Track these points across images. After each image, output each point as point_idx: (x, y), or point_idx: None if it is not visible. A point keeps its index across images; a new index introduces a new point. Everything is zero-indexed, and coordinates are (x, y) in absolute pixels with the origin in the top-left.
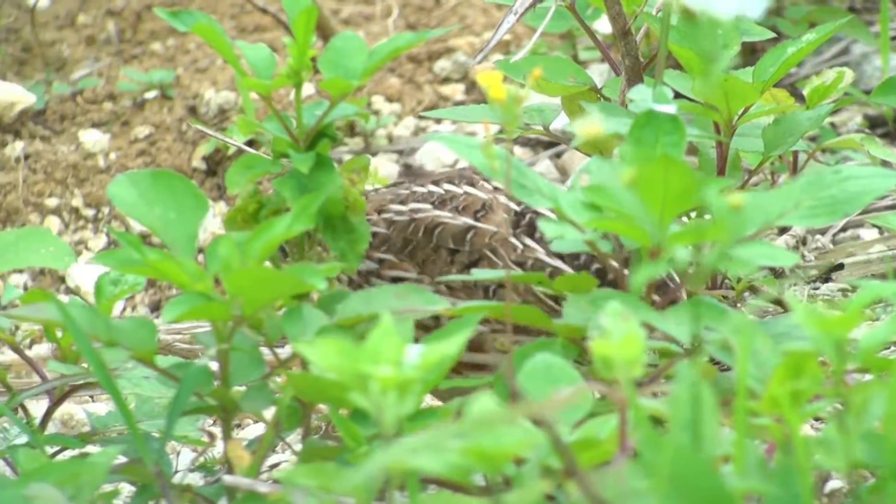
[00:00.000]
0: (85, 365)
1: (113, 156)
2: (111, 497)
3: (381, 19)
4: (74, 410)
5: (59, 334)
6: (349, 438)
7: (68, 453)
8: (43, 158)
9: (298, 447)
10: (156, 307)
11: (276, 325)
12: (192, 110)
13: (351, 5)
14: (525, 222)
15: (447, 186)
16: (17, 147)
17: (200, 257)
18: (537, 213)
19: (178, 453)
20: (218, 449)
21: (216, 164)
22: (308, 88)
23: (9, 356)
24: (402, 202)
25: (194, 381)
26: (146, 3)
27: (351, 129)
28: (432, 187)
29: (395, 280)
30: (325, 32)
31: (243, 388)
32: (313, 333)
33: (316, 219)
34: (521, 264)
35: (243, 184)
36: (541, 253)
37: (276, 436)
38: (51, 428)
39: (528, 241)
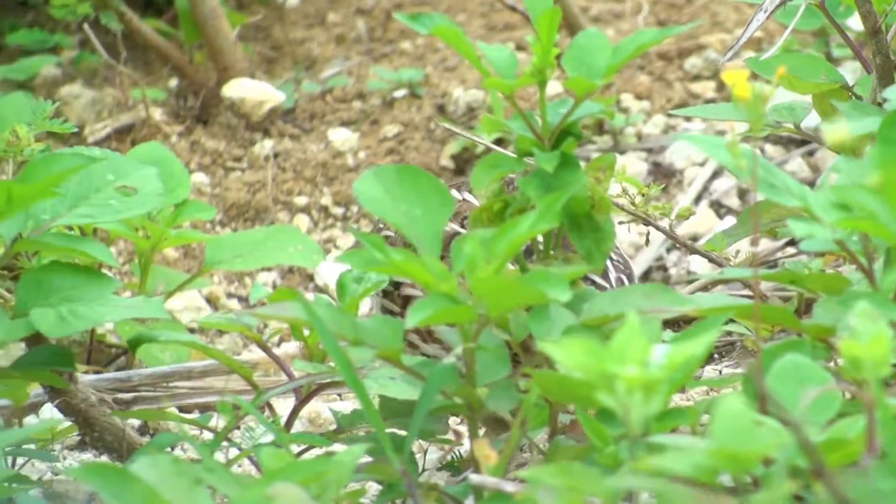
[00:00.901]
0: (331, 363)
1: (362, 154)
2: (357, 496)
3: (630, 16)
4: (321, 409)
5: (305, 333)
6: (596, 438)
7: (314, 452)
8: (292, 157)
9: (545, 446)
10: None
11: (522, 325)
12: (441, 109)
13: (601, 2)
14: None
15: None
16: (266, 145)
17: None
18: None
19: (425, 452)
20: (464, 448)
21: (464, 162)
22: (556, 87)
23: (256, 354)
24: None
25: (440, 379)
26: (396, 1)
27: (599, 127)
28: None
29: (397, 282)
30: (573, 30)
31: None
32: (560, 332)
33: (561, 217)
34: None
35: (488, 182)
36: None
37: (523, 434)
38: (297, 426)
39: None
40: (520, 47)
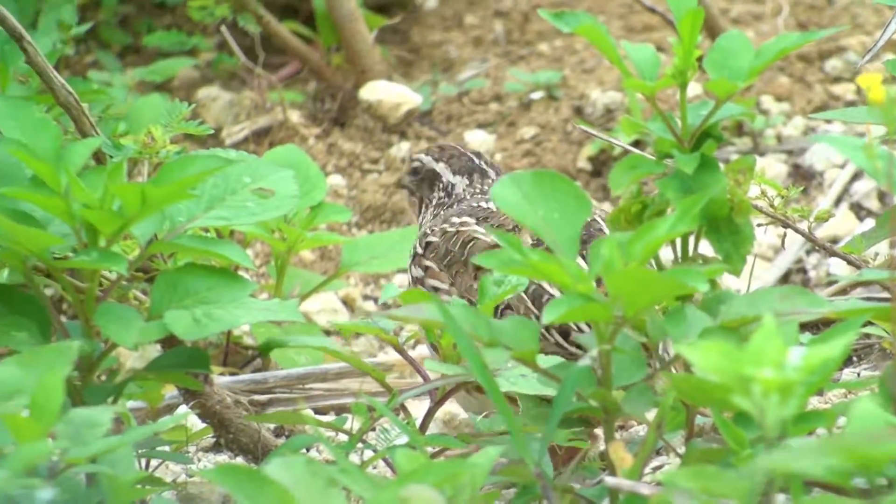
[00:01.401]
0: (466, 365)
1: (498, 156)
2: (492, 498)
3: (770, 18)
4: (456, 410)
5: (439, 334)
6: (732, 441)
7: (449, 454)
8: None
9: (681, 449)
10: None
11: (659, 327)
12: (578, 111)
13: (740, 4)
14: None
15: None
16: (402, 148)
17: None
18: None
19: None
20: (600, 450)
21: (601, 164)
22: (695, 88)
23: (391, 356)
24: (461, 214)
25: (576, 381)
26: (534, 3)
27: (738, 129)
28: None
29: (435, 289)
30: (713, 32)
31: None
32: (696, 335)
33: (699, 220)
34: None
35: (626, 184)
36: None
37: (659, 437)
38: (432, 428)
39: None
40: (659, 48)
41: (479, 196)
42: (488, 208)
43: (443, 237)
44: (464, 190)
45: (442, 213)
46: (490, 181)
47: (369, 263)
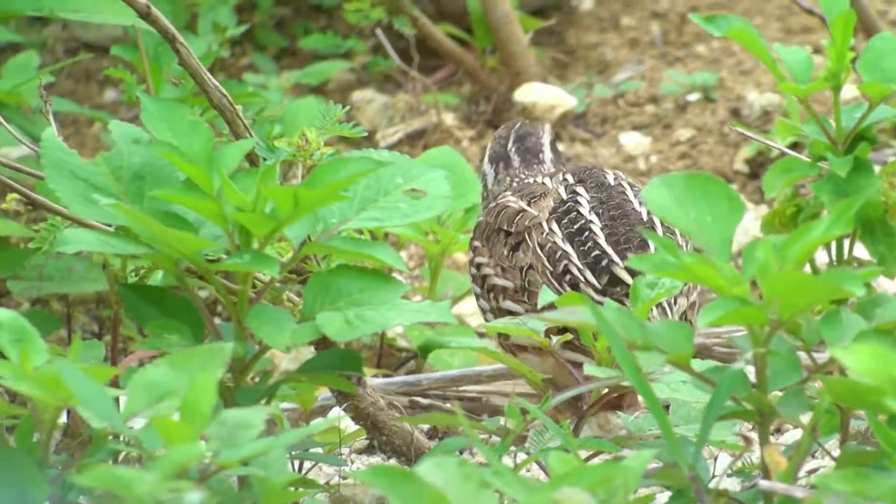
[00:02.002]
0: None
1: (653, 158)
2: (646, 501)
3: None
4: (610, 414)
5: (593, 338)
6: (886, 443)
7: (602, 457)
8: (583, 161)
9: (836, 452)
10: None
11: (814, 330)
12: (735, 112)
13: None
14: (563, 209)
15: (543, 179)
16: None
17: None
18: (576, 202)
19: (716, 458)
20: (755, 454)
21: (758, 166)
22: (852, 90)
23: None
24: (506, 190)
25: (730, 385)
26: (691, 4)
27: (895, 131)
28: (537, 178)
29: (479, 266)
30: (871, 33)
31: (780, 393)
32: (851, 338)
33: (854, 223)
34: (542, 246)
35: (781, 187)
36: (558, 238)
37: (814, 441)
38: (585, 431)
39: (553, 226)
40: (817, 50)
41: (525, 175)
42: (523, 180)
43: (486, 214)
44: (495, 178)
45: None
46: (514, 170)
47: None
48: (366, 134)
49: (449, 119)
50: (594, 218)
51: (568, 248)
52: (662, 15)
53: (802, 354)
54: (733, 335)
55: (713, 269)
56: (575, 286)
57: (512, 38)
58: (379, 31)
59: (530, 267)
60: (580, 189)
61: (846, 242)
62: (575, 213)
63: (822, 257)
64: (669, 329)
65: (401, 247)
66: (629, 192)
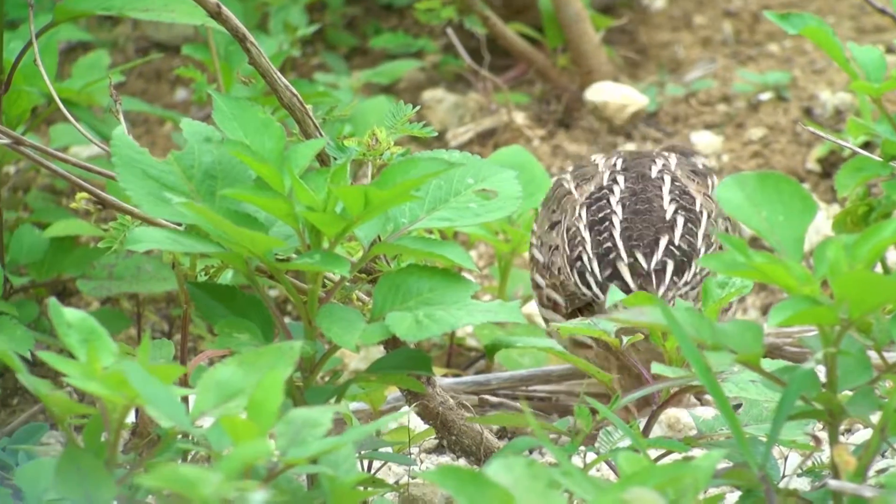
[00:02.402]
0: (691, 368)
1: (725, 157)
2: (716, 501)
3: None
4: (680, 414)
5: (663, 338)
6: None
7: (673, 457)
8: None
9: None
10: (766, 310)
11: (885, 329)
12: (808, 112)
13: None
14: (597, 195)
15: (595, 157)
16: (628, 149)
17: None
18: (611, 190)
19: (786, 458)
20: (825, 453)
21: (830, 166)
22: None
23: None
24: (573, 164)
25: (800, 384)
26: (764, 3)
27: None
28: (596, 157)
29: (533, 233)
30: None
31: (850, 393)
32: None
33: None
34: (568, 230)
35: (853, 186)
36: (582, 224)
37: (883, 440)
38: (656, 431)
39: (582, 212)
40: (890, 50)
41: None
42: (590, 159)
43: (553, 185)
44: None
45: None
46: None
47: None
48: (436, 134)
49: (519, 118)
50: (618, 209)
51: (586, 235)
52: (735, 14)
53: (873, 354)
54: (804, 335)
55: (784, 269)
56: (582, 274)
57: (583, 36)
58: (449, 31)
59: (556, 248)
60: (620, 178)
61: None
62: (604, 201)
63: (893, 257)
64: (739, 329)
65: (470, 246)
66: (665, 188)
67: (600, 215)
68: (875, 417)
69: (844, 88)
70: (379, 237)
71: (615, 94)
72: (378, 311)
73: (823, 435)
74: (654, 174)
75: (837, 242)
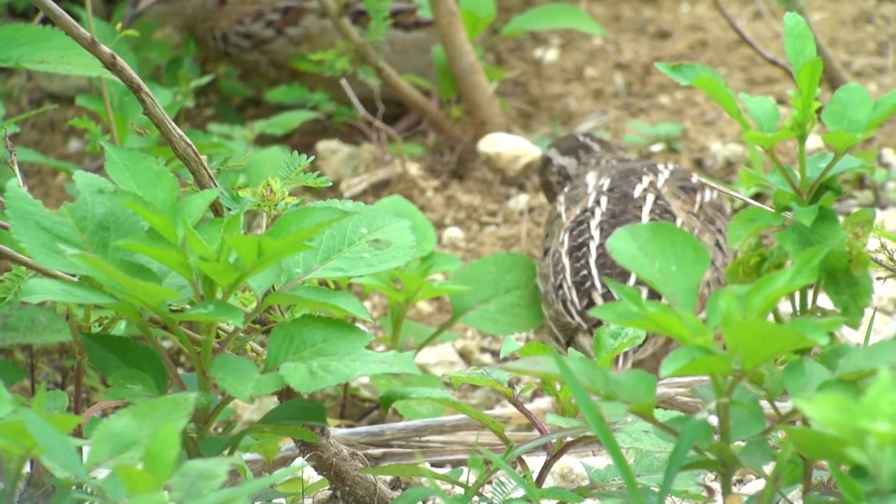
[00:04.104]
0: (584, 418)
1: None
2: None
3: (893, 70)
4: (573, 464)
5: (557, 387)
6: (848, 494)
7: None
8: (546, 211)
9: (799, 503)
10: None
11: (777, 380)
12: (699, 163)
13: (863, 57)
14: (580, 219)
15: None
16: (521, 200)
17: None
18: (593, 213)
19: None
20: None
21: None
22: (817, 141)
23: (508, 409)
24: (572, 185)
25: (693, 435)
26: (654, 56)
27: (860, 183)
28: (588, 177)
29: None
30: (835, 84)
31: (743, 443)
32: (814, 388)
33: (818, 273)
34: (553, 255)
35: (745, 237)
36: (564, 249)
37: (776, 491)
38: (549, 481)
39: (565, 237)
40: (780, 101)
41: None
42: (580, 182)
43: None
44: (576, 168)
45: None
46: (595, 154)
47: None
48: (330, 184)
49: (413, 169)
50: (596, 234)
51: (566, 262)
52: (626, 66)
53: (765, 404)
54: (697, 385)
55: (676, 319)
56: (564, 302)
57: (477, 88)
58: (343, 82)
59: (545, 275)
60: (603, 199)
61: (810, 292)
62: (584, 224)
63: (785, 307)
64: (632, 379)
65: (365, 297)
66: (646, 208)
67: (579, 240)
68: (768, 468)
69: (735, 140)
70: (273, 287)
71: (508, 146)
72: (272, 361)
73: (716, 485)
74: (637, 193)
75: (730, 293)
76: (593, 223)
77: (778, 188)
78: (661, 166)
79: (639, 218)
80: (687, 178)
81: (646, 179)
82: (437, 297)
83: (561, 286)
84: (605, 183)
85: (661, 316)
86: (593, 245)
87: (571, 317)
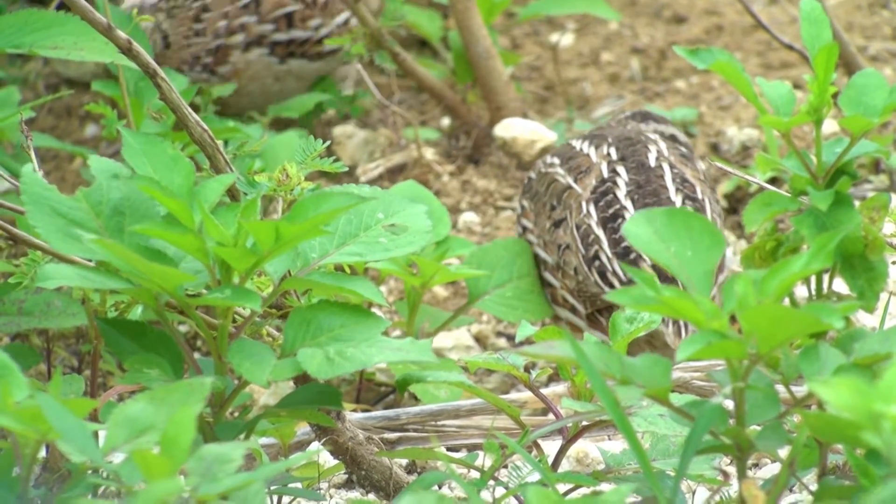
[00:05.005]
0: (599, 402)
1: None
2: None
3: None
4: (589, 448)
5: (573, 372)
6: (863, 478)
7: (581, 491)
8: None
9: (814, 486)
10: None
11: (793, 364)
12: (714, 147)
13: (879, 41)
14: (602, 189)
15: (580, 144)
16: None
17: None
18: (615, 183)
19: (694, 492)
20: (733, 488)
21: (737, 201)
22: (833, 125)
23: (524, 394)
24: (554, 154)
25: (709, 419)
26: (671, 40)
27: (876, 167)
28: (578, 142)
29: (524, 229)
30: (851, 69)
31: (758, 427)
32: (830, 372)
33: (834, 257)
34: (578, 227)
35: (761, 221)
36: (593, 221)
37: (791, 475)
38: (564, 465)
39: (591, 208)
40: (796, 86)
41: (579, 137)
42: (573, 147)
43: (537, 176)
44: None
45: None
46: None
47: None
48: (346, 169)
49: (429, 154)
50: (629, 204)
51: (601, 233)
52: (642, 50)
53: (781, 388)
54: (712, 369)
55: (692, 304)
56: (602, 274)
57: (493, 73)
58: (360, 67)
59: (567, 247)
60: (620, 169)
61: (825, 277)
62: (612, 195)
63: (801, 292)
64: (648, 363)
65: (381, 281)
66: (667, 177)
67: (611, 211)
68: (783, 452)
69: (751, 124)
70: (289, 272)
71: (524, 130)
72: (289, 346)
73: (731, 469)
74: (652, 163)
75: (745, 277)
76: (620, 193)
77: (794, 173)
78: (650, 135)
79: (665, 188)
80: (678, 148)
81: (653, 149)
82: (452, 282)
83: (597, 257)
84: (612, 152)
85: (676, 300)
86: (629, 216)
87: (612, 287)
